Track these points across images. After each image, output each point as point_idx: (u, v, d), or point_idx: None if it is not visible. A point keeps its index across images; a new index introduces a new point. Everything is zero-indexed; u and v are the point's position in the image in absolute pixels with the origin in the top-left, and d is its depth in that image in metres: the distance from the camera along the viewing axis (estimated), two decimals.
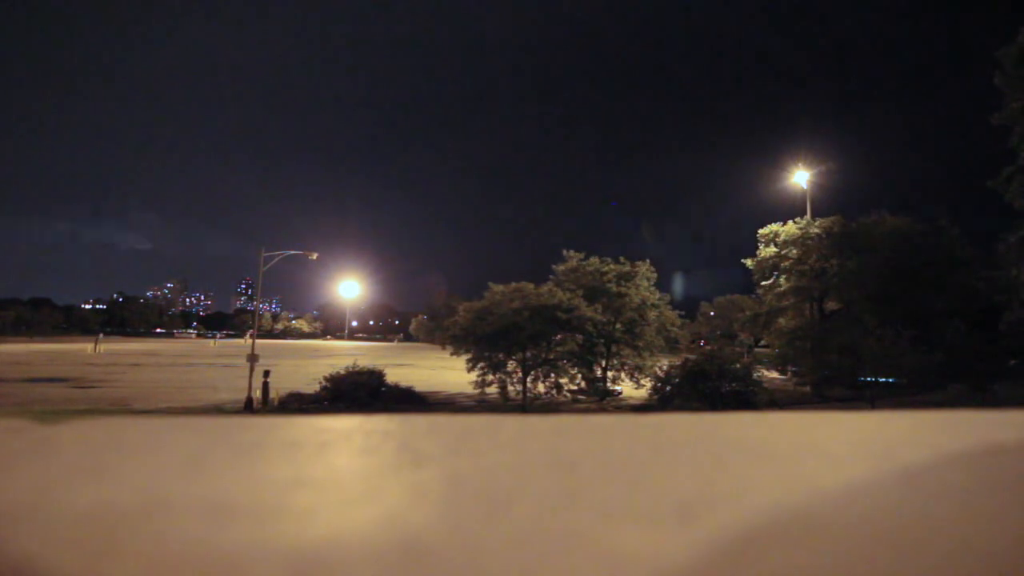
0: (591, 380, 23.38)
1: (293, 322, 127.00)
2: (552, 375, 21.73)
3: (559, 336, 21.97)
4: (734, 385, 19.58)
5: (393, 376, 21.27)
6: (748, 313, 31.23)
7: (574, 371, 22.43)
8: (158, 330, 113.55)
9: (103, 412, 16.21)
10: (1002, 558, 0.38)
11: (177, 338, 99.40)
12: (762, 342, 36.00)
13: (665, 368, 21.48)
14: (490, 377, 20.96)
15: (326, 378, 19.86)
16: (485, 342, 20.73)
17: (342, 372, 20.08)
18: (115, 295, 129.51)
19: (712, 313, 57.85)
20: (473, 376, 21.11)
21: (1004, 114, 20.16)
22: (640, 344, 24.57)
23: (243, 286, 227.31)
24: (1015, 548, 0.39)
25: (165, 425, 0.71)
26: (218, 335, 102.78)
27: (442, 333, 25.16)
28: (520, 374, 21.29)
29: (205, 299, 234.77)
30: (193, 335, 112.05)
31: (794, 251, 27.38)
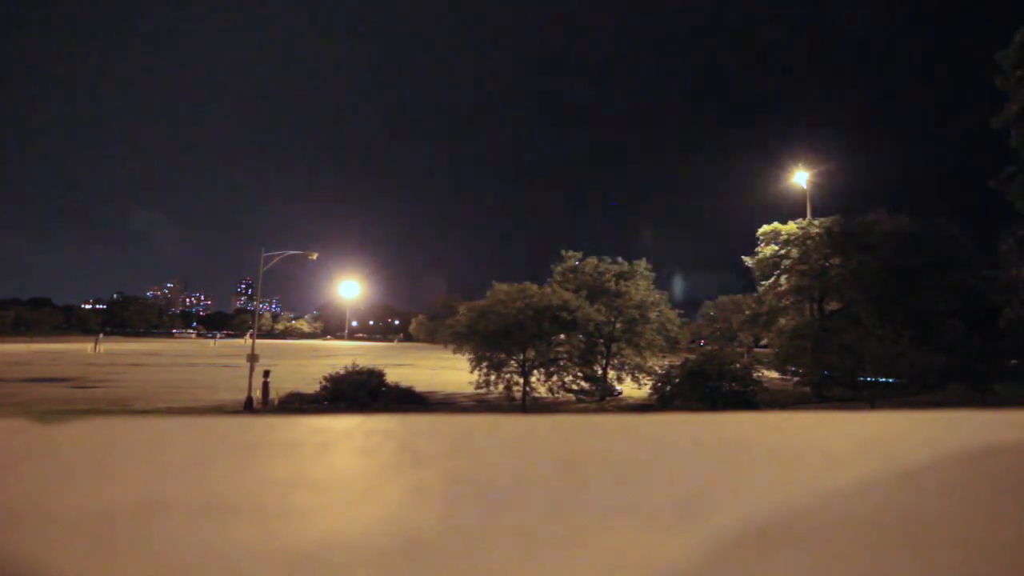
0: (592, 379, 23.41)
1: (293, 322, 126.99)
2: (554, 375, 21.75)
3: (561, 336, 22.00)
4: (734, 385, 19.58)
5: (393, 376, 21.25)
6: (748, 313, 31.22)
7: (576, 370, 22.47)
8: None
9: (103, 412, 16.21)
10: (1002, 558, 0.38)
11: (177, 338, 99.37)
12: (762, 342, 35.99)
13: (665, 367, 21.49)
14: (493, 377, 20.98)
15: (326, 378, 19.85)
16: (487, 341, 20.74)
17: (342, 372, 20.07)
18: (115, 295, 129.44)
19: (712, 313, 57.84)
20: (475, 376, 21.13)
21: (1004, 116, 20.12)
22: (641, 343, 24.62)
23: (243, 286, 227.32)
24: (1015, 548, 0.39)
25: (165, 425, 0.71)
26: (218, 335, 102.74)
27: (443, 331, 25.19)
28: (521, 374, 21.32)
29: (205, 299, 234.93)
30: (193, 335, 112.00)
31: (794, 251, 27.38)
